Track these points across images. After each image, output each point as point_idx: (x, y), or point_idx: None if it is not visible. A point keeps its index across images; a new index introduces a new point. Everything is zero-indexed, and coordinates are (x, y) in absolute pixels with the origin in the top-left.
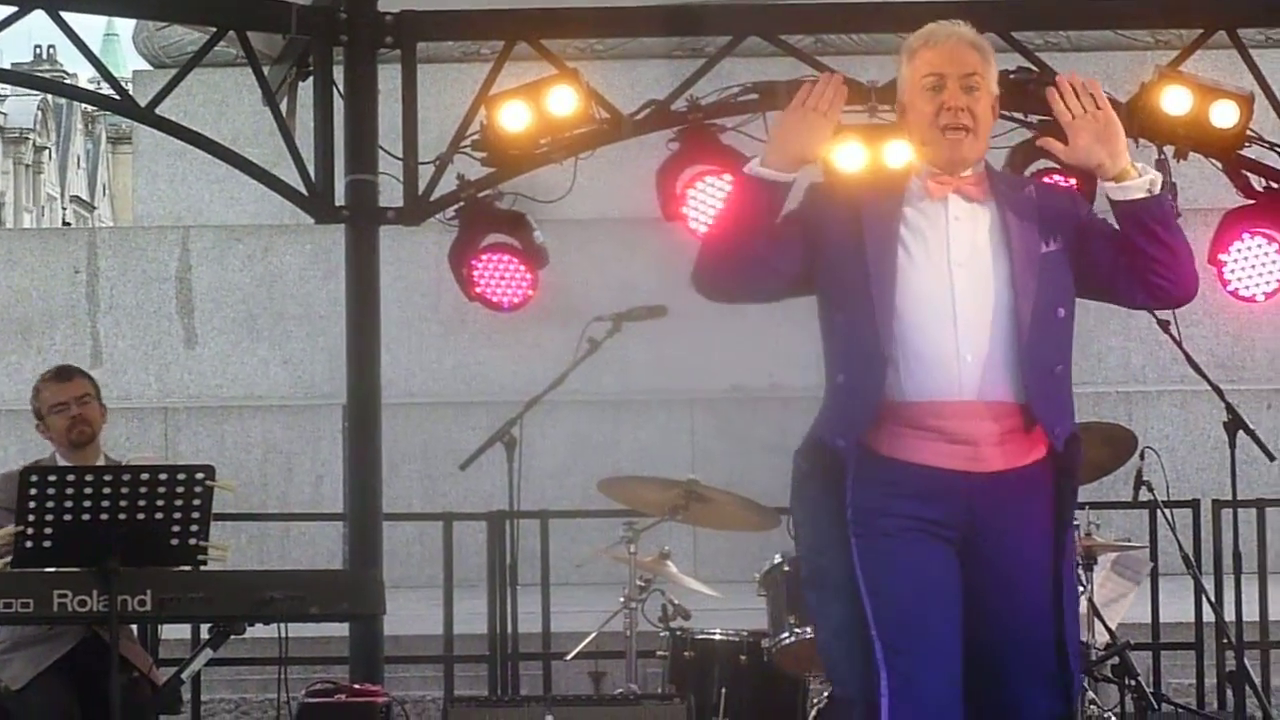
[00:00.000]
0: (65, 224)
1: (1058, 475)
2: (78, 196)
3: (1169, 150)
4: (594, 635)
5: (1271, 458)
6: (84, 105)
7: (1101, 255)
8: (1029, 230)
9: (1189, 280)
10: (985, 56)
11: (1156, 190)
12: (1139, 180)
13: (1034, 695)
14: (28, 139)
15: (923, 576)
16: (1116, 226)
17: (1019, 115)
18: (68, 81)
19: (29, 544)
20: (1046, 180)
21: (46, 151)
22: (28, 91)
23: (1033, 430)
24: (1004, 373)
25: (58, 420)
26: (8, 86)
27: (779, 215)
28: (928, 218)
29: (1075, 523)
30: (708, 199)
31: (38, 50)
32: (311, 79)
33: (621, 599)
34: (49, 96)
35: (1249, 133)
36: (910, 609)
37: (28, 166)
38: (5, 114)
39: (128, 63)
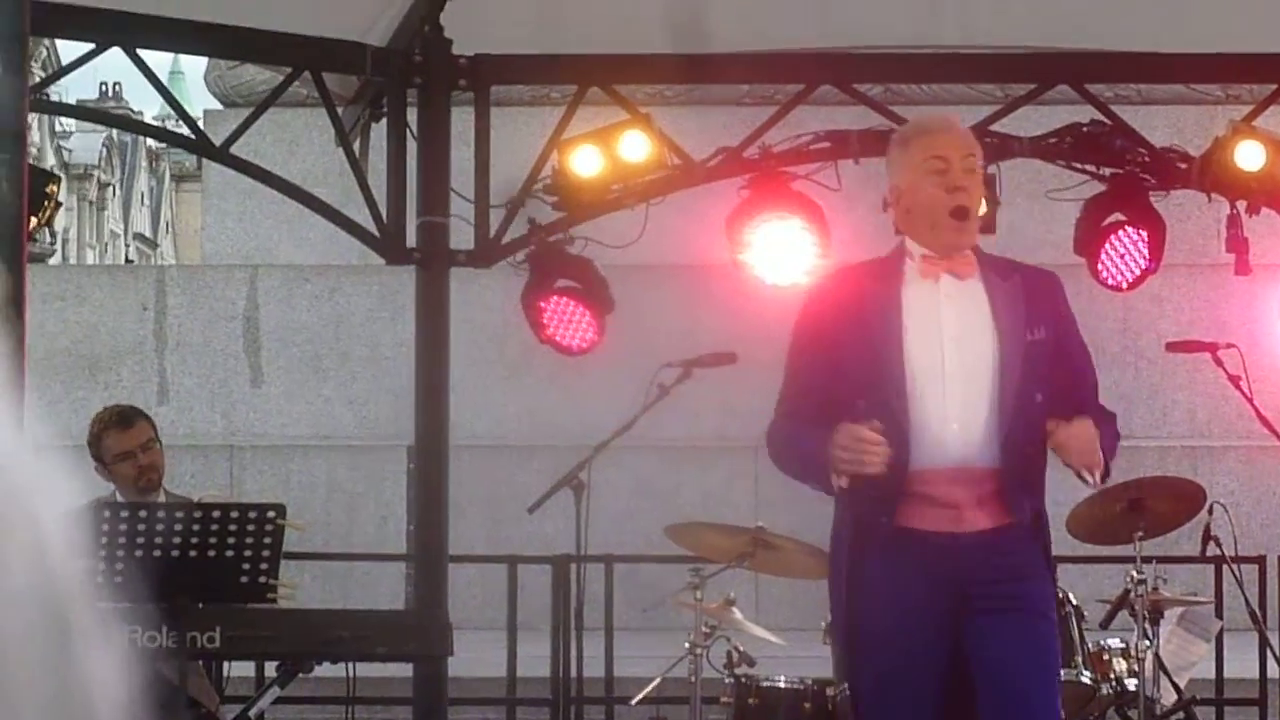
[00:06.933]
0: (128, 261)
1: (1036, 536)
2: (140, 234)
3: (1241, 205)
4: (658, 681)
5: None
6: (149, 142)
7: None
8: (1016, 317)
9: None
10: (977, 144)
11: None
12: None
13: None
14: (92, 175)
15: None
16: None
17: (1091, 168)
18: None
19: (99, 579)
20: (1032, 268)
21: (110, 188)
22: (93, 128)
23: (1009, 495)
24: (984, 443)
25: (125, 468)
26: (73, 123)
27: None
28: (922, 297)
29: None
30: (777, 246)
31: (103, 87)
32: (385, 120)
33: (687, 645)
34: (114, 133)
35: None
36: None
37: (92, 203)
38: (70, 150)
39: (194, 101)
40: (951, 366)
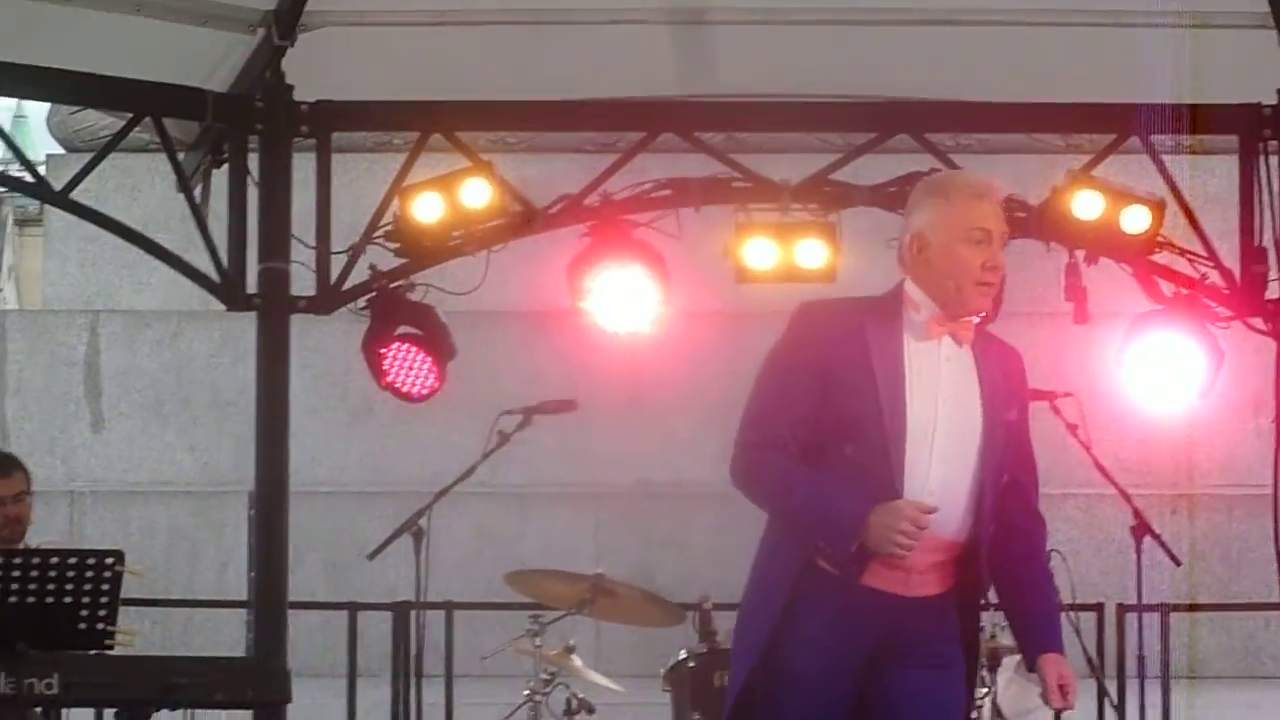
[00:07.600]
0: None
1: (961, 603)
2: None
3: (1079, 254)
4: None
5: (1178, 562)
6: None
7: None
8: (998, 394)
9: None
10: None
11: None
12: None
13: None
14: None
15: None
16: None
17: None
18: None
19: None
20: (1003, 343)
21: None
22: None
23: (959, 565)
24: (956, 514)
25: None
26: None
27: None
28: (924, 353)
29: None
30: (618, 293)
31: None
32: (226, 166)
33: (526, 692)
34: None
35: (1159, 238)
36: None
37: None
38: None
39: (37, 146)
40: (941, 432)
